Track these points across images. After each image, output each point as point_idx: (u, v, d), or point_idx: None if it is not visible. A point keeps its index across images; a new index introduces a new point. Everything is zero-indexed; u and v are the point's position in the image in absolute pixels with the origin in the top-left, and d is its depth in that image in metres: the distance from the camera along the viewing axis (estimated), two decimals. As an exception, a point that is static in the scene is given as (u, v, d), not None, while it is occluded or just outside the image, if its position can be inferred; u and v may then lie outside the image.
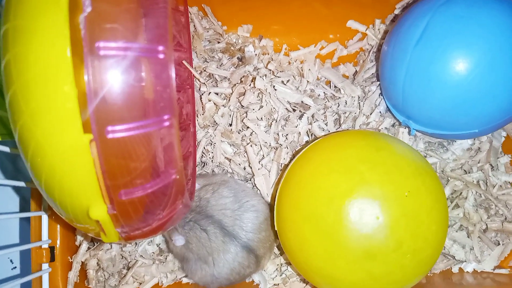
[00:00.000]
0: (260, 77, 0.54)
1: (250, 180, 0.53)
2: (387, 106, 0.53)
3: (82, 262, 0.53)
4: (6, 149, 0.42)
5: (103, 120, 0.29)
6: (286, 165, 0.52)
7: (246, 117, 0.53)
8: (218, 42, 0.58)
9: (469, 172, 0.54)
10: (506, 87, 0.43)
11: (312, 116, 0.54)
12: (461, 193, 0.53)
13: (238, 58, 0.57)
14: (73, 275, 0.51)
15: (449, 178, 0.53)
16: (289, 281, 0.52)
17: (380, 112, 0.54)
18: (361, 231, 0.39)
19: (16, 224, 0.62)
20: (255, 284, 0.53)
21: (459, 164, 0.54)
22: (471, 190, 0.53)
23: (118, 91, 0.29)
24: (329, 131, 0.54)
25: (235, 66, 0.57)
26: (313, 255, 0.42)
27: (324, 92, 0.56)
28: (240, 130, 0.54)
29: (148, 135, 0.31)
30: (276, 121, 0.53)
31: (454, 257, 0.52)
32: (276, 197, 0.47)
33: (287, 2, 0.58)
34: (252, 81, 0.54)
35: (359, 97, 0.55)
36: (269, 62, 0.56)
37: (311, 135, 0.54)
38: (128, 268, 0.53)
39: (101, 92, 0.29)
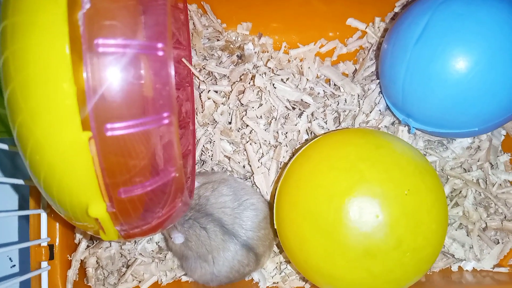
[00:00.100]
0: (260, 75, 0.53)
1: (250, 178, 0.53)
2: (386, 104, 0.53)
3: (81, 260, 0.53)
4: (4, 146, 0.42)
5: (102, 117, 0.29)
6: (286, 163, 0.52)
7: (246, 115, 0.53)
8: (218, 40, 0.58)
9: (468, 171, 0.54)
10: (505, 85, 0.43)
11: (312, 114, 0.54)
12: (460, 191, 0.53)
13: (237, 56, 0.57)
14: (72, 273, 0.51)
15: (448, 177, 0.53)
16: (288, 279, 0.52)
17: (379, 110, 0.54)
18: (360, 229, 0.38)
19: (15, 222, 0.62)
20: (254, 282, 0.53)
21: (459, 163, 0.54)
22: (470, 189, 0.53)
23: (117, 88, 0.29)
24: (328, 129, 0.54)
25: (234, 64, 0.57)
26: (312, 254, 0.42)
27: (323, 90, 0.56)
28: (239, 128, 0.54)
29: (147, 133, 0.31)
30: (276, 119, 0.53)
31: (454, 255, 0.52)
32: (276, 195, 0.47)
33: (286, 0, 0.58)
34: (251, 79, 0.54)
35: (358, 95, 0.55)
36: (268, 60, 0.56)
37: (311, 133, 0.54)
38: (128, 266, 0.53)
39: (100, 90, 0.29)
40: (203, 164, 0.55)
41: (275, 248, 0.53)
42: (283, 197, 0.45)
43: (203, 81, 0.55)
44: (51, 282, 0.49)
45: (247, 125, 0.53)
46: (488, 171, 0.53)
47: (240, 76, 0.54)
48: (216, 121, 0.54)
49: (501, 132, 0.55)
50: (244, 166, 0.54)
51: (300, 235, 0.42)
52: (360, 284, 0.41)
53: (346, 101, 0.55)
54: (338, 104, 0.55)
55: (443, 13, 0.44)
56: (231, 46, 0.58)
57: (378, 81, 0.55)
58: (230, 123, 0.54)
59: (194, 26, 0.58)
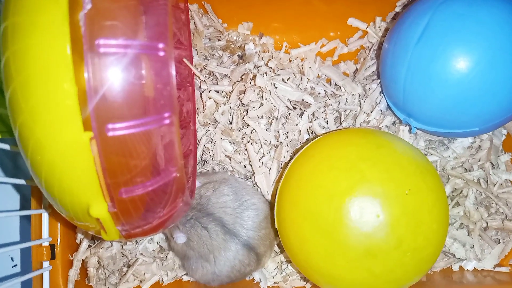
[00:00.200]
0: (261, 75, 0.53)
1: (251, 178, 0.53)
2: (387, 104, 0.53)
3: (83, 260, 0.53)
4: (6, 146, 0.42)
5: (103, 117, 0.29)
6: (287, 163, 0.52)
7: (247, 115, 0.53)
8: (219, 40, 0.58)
9: (469, 170, 0.54)
10: (506, 85, 0.43)
11: (313, 114, 0.54)
12: (461, 191, 0.53)
13: (238, 56, 0.57)
14: (73, 273, 0.51)
15: (449, 176, 0.53)
16: (289, 279, 0.52)
17: (380, 110, 0.54)
18: (361, 229, 0.38)
19: (17, 222, 0.62)
20: (255, 282, 0.53)
21: (460, 162, 0.54)
22: (471, 188, 0.53)
23: (118, 88, 0.29)
24: (329, 129, 0.54)
25: (235, 64, 0.57)
26: (313, 253, 0.42)
27: (324, 90, 0.56)
28: (240, 128, 0.54)
29: (149, 133, 0.31)
30: (277, 119, 0.53)
31: (455, 255, 0.52)
32: (277, 195, 0.47)
33: (287, 0, 0.58)
34: (252, 79, 0.54)
35: (359, 95, 0.55)
36: (269, 60, 0.56)
37: (312, 133, 0.54)
38: (129, 266, 0.53)
39: (101, 90, 0.29)
40: (204, 164, 0.55)
41: (276, 248, 0.53)
42: (284, 197, 0.45)
43: (204, 81, 0.55)
44: (52, 282, 0.49)
45: (248, 125, 0.53)
46: (489, 171, 0.53)
47: (241, 76, 0.54)
48: (217, 121, 0.54)
49: (502, 132, 0.55)
50: (245, 166, 0.54)
51: (301, 235, 0.42)
52: (360, 284, 0.41)
53: (347, 101, 0.55)
54: (339, 104, 0.55)
55: (444, 13, 0.44)
56: (232, 46, 0.58)
57: (379, 80, 0.55)
58: (231, 123, 0.54)
59: (195, 26, 0.58)
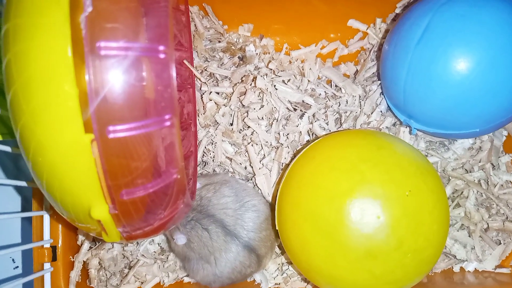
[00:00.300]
0: (261, 76, 0.54)
1: (251, 179, 0.53)
2: (388, 105, 0.53)
3: (84, 262, 0.53)
4: (7, 148, 0.42)
5: (104, 119, 0.29)
6: (287, 165, 0.52)
7: (247, 116, 0.53)
8: (219, 42, 0.58)
9: (470, 171, 0.54)
10: (507, 86, 0.43)
11: (313, 115, 0.54)
12: (462, 192, 0.53)
13: (239, 57, 0.57)
14: (75, 275, 0.51)
15: (450, 178, 0.53)
16: (290, 280, 0.52)
17: (381, 111, 0.54)
18: (362, 230, 0.38)
19: (18, 224, 0.62)
20: (256, 283, 0.53)
21: (460, 163, 0.54)
22: (472, 190, 0.53)
23: (119, 90, 0.29)
24: (330, 131, 0.54)
25: (236, 65, 0.57)
26: (314, 255, 0.42)
27: (325, 92, 0.56)
28: (241, 130, 0.54)
29: (149, 135, 0.31)
30: (277, 121, 0.53)
31: (455, 256, 0.52)
32: (277, 196, 0.47)
33: (288, 1, 0.58)
34: (253, 80, 0.54)
35: (360, 97, 0.55)
36: (270, 61, 0.56)
37: (312, 134, 0.54)
38: (130, 268, 0.53)
39: (102, 92, 0.29)
40: (204, 165, 0.55)
41: (277, 249, 0.53)
42: (284, 198, 0.45)
43: (205, 82, 0.55)
44: (53, 283, 0.49)
45: (249, 127, 0.53)
46: (490, 172, 0.53)
47: (242, 78, 0.55)
48: (217, 123, 0.54)
49: (503, 133, 0.55)
50: (245, 167, 0.54)
51: (302, 236, 0.42)
52: (361, 285, 0.41)
53: (347, 102, 0.55)
54: (339, 105, 0.55)
55: (445, 14, 0.44)
56: (233, 47, 0.58)
57: (379, 82, 0.55)
58: (231, 124, 0.54)
59: (196, 28, 0.58)
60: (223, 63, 0.57)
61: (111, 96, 0.29)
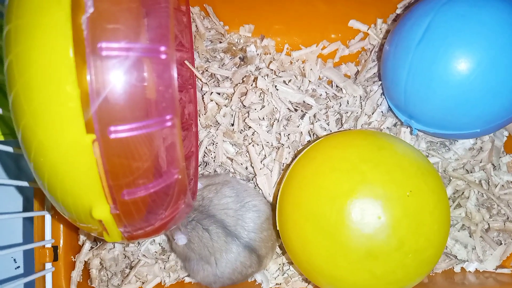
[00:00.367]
0: (262, 77, 0.54)
1: (252, 180, 0.53)
2: (389, 105, 0.53)
3: (85, 262, 0.53)
4: (9, 149, 0.42)
5: (105, 120, 0.29)
6: (288, 165, 0.52)
7: (248, 117, 0.53)
8: (220, 42, 0.59)
9: (471, 172, 0.54)
10: (508, 86, 0.43)
11: (314, 116, 0.54)
12: (463, 192, 0.53)
13: (240, 58, 0.58)
14: (76, 275, 0.51)
15: (451, 178, 0.53)
16: (291, 280, 0.52)
17: (382, 111, 0.54)
18: (363, 230, 0.39)
19: (19, 224, 0.62)
20: (257, 283, 0.53)
21: (461, 164, 0.54)
22: (473, 190, 0.53)
23: (120, 91, 0.30)
24: (331, 131, 0.54)
25: (237, 66, 0.57)
26: (315, 255, 0.42)
27: (326, 92, 0.56)
28: (242, 130, 0.54)
29: (151, 135, 0.31)
30: (278, 121, 0.53)
31: (456, 256, 0.52)
32: (278, 196, 0.47)
33: (288, 2, 0.58)
34: (254, 81, 0.54)
35: (361, 97, 0.55)
36: (270, 62, 0.56)
37: (313, 135, 0.54)
38: (131, 268, 0.53)
39: (103, 92, 0.29)
40: (205, 165, 0.55)
41: (278, 250, 0.53)
42: (285, 199, 0.45)
43: (206, 83, 0.55)
44: (55, 283, 0.49)
45: (250, 127, 0.53)
46: (491, 172, 0.53)
47: (243, 78, 0.55)
48: (218, 123, 0.54)
49: (504, 133, 0.55)
50: (246, 168, 0.54)
51: (303, 236, 0.42)
52: (362, 286, 0.41)
53: (348, 103, 0.55)
54: (340, 106, 0.55)
55: (445, 15, 0.44)
56: (234, 48, 0.58)
57: (380, 82, 0.55)
58: (232, 125, 0.54)
59: (197, 28, 0.58)
60: (224, 63, 0.57)
61: (113, 96, 0.29)
